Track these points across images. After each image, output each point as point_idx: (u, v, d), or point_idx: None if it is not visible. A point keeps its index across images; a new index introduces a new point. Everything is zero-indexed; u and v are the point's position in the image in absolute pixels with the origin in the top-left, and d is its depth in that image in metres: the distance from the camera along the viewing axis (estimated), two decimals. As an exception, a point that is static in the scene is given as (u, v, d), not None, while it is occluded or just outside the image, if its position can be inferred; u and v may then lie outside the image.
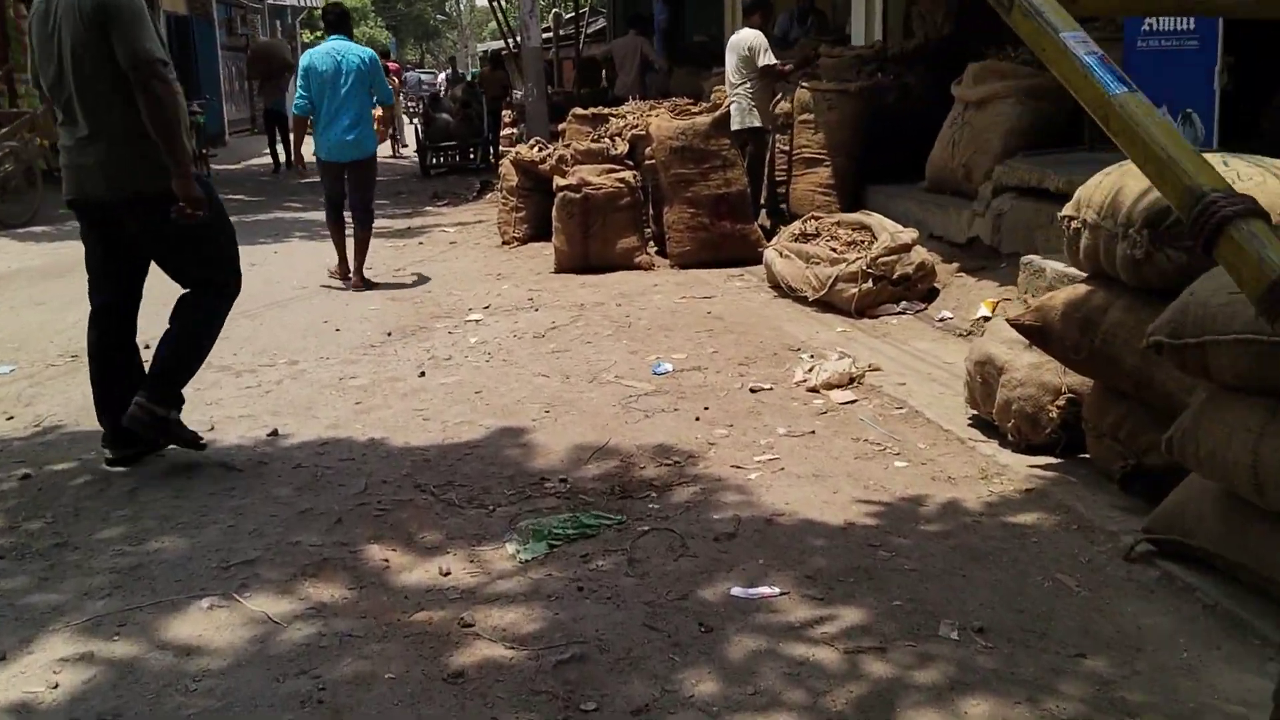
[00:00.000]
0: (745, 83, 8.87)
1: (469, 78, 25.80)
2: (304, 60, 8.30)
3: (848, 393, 5.10)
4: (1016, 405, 4.14)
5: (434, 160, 18.87)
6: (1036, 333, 3.92)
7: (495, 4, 23.24)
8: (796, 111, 8.94)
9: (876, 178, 8.88)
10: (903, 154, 8.96)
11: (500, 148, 20.88)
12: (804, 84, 8.90)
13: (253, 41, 32.25)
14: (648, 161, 8.89)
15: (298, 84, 8.29)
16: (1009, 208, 6.79)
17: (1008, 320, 3.98)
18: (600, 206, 8.30)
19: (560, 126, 11.92)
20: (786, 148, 9.49)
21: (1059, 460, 4.10)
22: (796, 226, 7.33)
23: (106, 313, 4.50)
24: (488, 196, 14.72)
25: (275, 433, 4.87)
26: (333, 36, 8.43)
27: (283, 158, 19.84)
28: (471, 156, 19.34)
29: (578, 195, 8.24)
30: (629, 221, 8.38)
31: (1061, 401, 4.07)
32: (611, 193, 8.30)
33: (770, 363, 5.69)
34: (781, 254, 7.09)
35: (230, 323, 6.52)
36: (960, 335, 6.04)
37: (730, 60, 9.00)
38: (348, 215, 8.57)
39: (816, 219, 7.44)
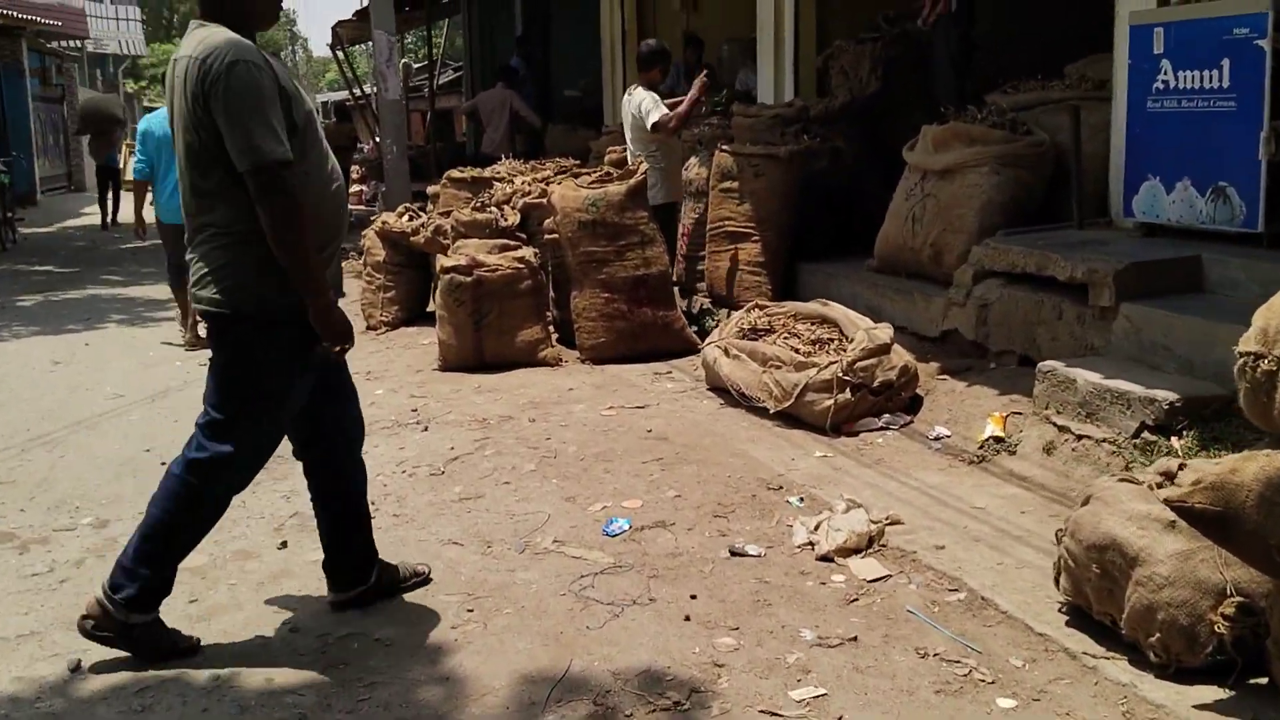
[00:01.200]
0: (646, 153, 7.61)
1: None
2: (142, 124, 8.24)
3: (873, 563, 3.83)
4: (1165, 614, 2.93)
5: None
6: (1215, 522, 2.71)
7: (339, 52, 21.66)
8: (716, 179, 7.75)
9: (807, 254, 7.74)
10: (834, 227, 7.91)
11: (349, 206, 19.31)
12: (725, 148, 7.72)
13: (70, 93, 29.74)
14: (548, 236, 7.55)
15: (136, 147, 8.21)
16: (997, 297, 5.69)
17: (1168, 503, 2.76)
18: (496, 292, 6.90)
19: (429, 189, 10.49)
20: (698, 217, 8.29)
21: (1230, 693, 2.89)
22: (741, 319, 6.09)
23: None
24: (344, 265, 13.10)
25: (78, 666, 3.30)
26: None
27: (110, 215, 19.60)
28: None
29: (468, 279, 6.82)
30: (530, 309, 7.00)
31: (1230, 609, 2.88)
32: (509, 275, 6.92)
33: (752, 510, 4.39)
34: (728, 353, 5.83)
35: (20, 454, 4.96)
36: (971, 462, 4.86)
37: (625, 126, 7.74)
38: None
39: (763, 309, 6.21)
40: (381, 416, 6.08)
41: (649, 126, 7.42)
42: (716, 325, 7.37)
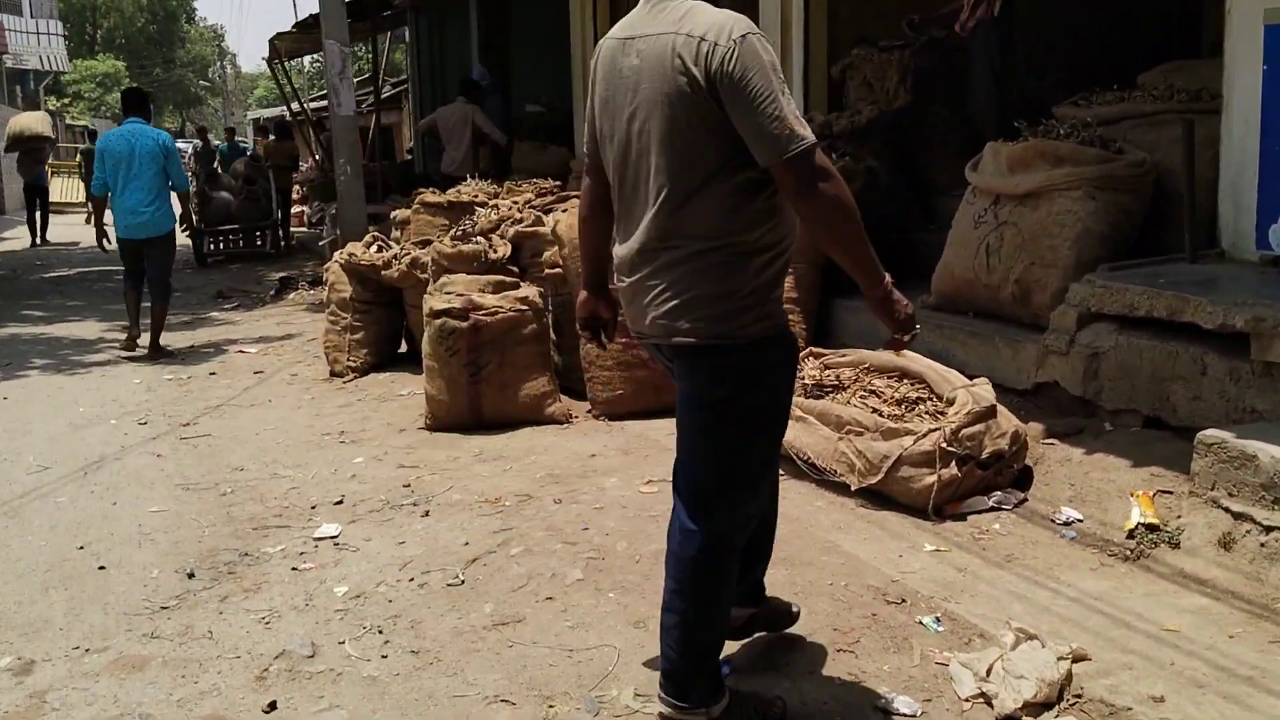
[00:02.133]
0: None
1: (220, 149, 22.45)
2: (99, 143, 8.82)
3: (1076, 727, 2.86)
4: None
5: (212, 247, 15.85)
6: None
7: (276, 66, 20.45)
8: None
9: (839, 289, 6.80)
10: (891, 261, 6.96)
11: (291, 228, 18.10)
12: (748, 166, 6.74)
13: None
14: (550, 271, 6.53)
15: (95, 166, 8.70)
16: (1111, 345, 4.78)
17: None
18: (496, 339, 5.86)
19: (394, 213, 9.42)
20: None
21: None
22: (804, 371, 5.10)
23: None
24: (290, 297, 11.94)
25: None
26: (129, 120, 8.80)
27: (40, 233, 19.68)
28: (259, 243, 16.43)
29: (464, 324, 5.77)
30: (535, 358, 5.96)
31: None
32: (511, 319, 5.88)
33: (880, 638, 3.40)
34: (794, 416, 4.84)
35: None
36: (1126, 558, 3.92)
37: None
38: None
39: (820, 358, 5.25)
40: (367, 495, 5.01)
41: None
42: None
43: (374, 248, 7.87)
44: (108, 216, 8.85)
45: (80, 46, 57.92)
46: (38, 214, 19.52)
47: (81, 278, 14.87)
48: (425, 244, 7.81)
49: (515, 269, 7.02)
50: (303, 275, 13.25)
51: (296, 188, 19.96)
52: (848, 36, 8.52)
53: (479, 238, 7.19)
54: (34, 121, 20.22)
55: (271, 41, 17.92)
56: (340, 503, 4.97)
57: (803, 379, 5.00)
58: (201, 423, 6.67)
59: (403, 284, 7.49)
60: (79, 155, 27.99)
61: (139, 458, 5.91)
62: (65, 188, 27.19)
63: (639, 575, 3.91)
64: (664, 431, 5.73)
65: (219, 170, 18.38)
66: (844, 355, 5.17)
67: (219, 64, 77.68)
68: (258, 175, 16.47)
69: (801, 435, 4.75)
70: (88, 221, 20.86)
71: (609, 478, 5.02)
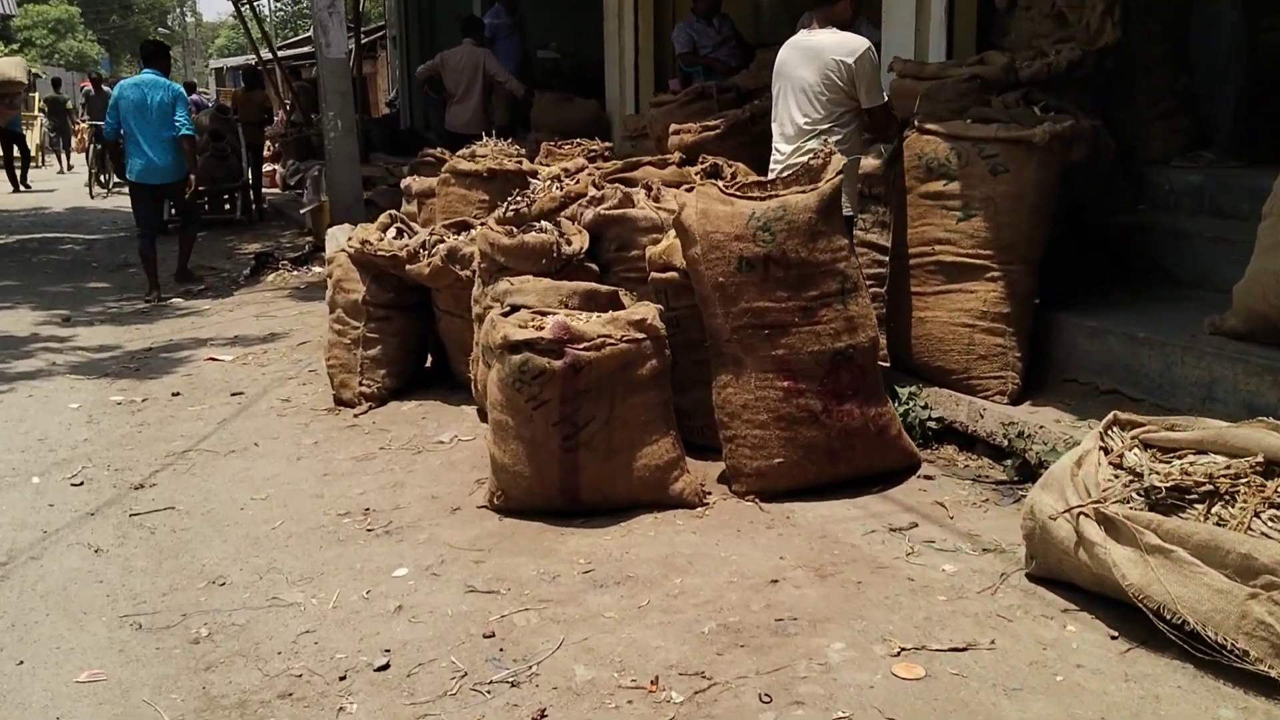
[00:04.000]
0: (834, 125, 4.75)
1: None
2: (115, 91, 9.20)
3: None
4: None
5: (173, 211, 13.66)
6: None
7: (244, 7, 18.25)
8: (915, 178, 4.85)
9: (1059, 299, 4.93)
10: (1078, 252, 5.13)
11: (264, 190, 15.98)
12: (932, 127, 4.81)
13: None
14: (658, 276, 4.59)
15: (108, 112, 9.20)
16: None
17: None
18: (603, 385, 3.92)
19: (406, 182, 7.43)
20: (880, 241, 5.41)
21: None
22: (1121, 448, 3.19)
23: None
24: (269, 279, 9.91)
25: None
26: (146, 70, 9.20)
27: (20, 177, 19.80)
28: (227, 207, 14.33)
29: (558, 363, 3.81)
30: (656, 411, 4.04)
31: None
32: (624, 355, 3.93)
33: None
34: (1144, 546, 2.94)
35: None
36: None
37: (802, 79, 4.84)
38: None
39: (1134, 427, 3.34)
40: (427, 652, 3.11)
41: (865, 99, 4.63)
42: (929, 418, 4.51)
43: (391, 232, 5.88)
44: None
45: (29, -11, 54.69)
46: (15, 161, 19.48)
47: (20, 247, 12.72)
48: (460, 227, 5.83)
49: (594, 267, 5.09)
50: (281, 250, 11.19)
51: (268, 144, 17.79)
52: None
53: (543, 223, 5.23)
54: (8, 67, 18.83)
55: (239, -24, 15.75)
56: (385, 668, 3.06)
57: (1134, 476, 3.10)
58: (161, 483, 4.72)
59: (435, 283, 5.53)
60: (40, 104, 25.83)
61: (68, 555, 3.97)
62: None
63: None
64: (856, 526, 3.84)
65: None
66: (1178, 428, 3.26)
67: (178, 11, 74.28)
68: (225, 130, 14.38)
69: (1167, 579, 2.86)
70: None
71: (822, 636, 3.11)
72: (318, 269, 10.00)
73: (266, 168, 17.71)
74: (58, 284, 9.98)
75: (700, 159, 5.71)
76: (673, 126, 6.78)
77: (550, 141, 7.91)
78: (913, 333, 4.78)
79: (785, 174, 4.68)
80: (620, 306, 4.48)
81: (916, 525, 3.83)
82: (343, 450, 5.03)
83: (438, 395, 5.76)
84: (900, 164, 4.94)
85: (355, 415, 5.53)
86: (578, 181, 5.67)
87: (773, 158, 5.03)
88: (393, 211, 6.07)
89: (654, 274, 4.59)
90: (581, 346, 3.83)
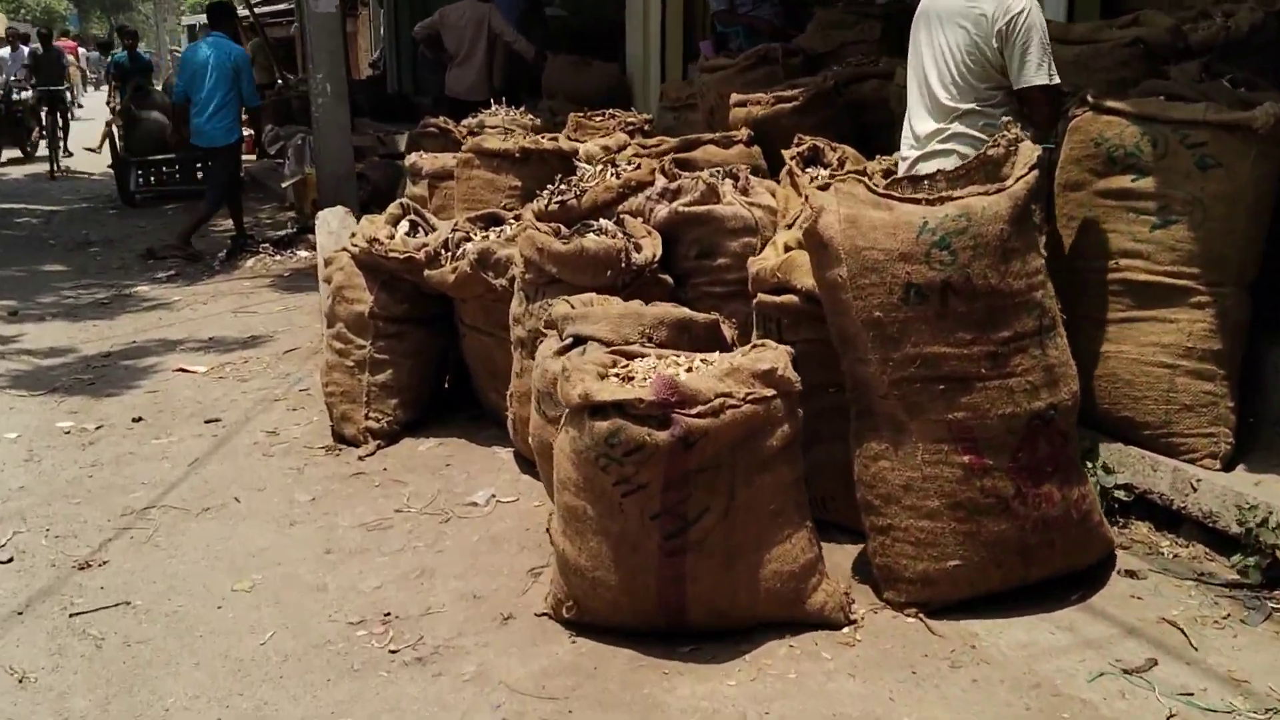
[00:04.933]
0: (980, 106, 3.65)
1: (116, 59, 17.33)
2: (183, 53, 10.27)
3: None
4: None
5: (141, 181, 12.42)
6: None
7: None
8: (1094, 169, 3.75)
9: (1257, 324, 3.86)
10: None
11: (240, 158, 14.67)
12: (1113, 104, 3.70)
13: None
14: (772, 300, 3.50)
15: (178, 75, 9.74)
16: None
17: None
18: (722, 463, 2.83)
19: (412, 160, 6.29)
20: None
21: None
22: None
23: None
24: (248, 264, 8.74)
25: None
26: (212, 33, 9.23)
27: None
28: (199, 175, 13.03)
29: (664, 436, 2.71)
30: (787, 494, 2.96)
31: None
32: (750, 420, 2.83)
33: None
34: None
35: None
36: None
37: (941, 45, 3.74)
38: None
39: None
40: None
41: (1017, 76, 3.52)
42: (1115, 485, 3.45)
43: (403, 227, 4.75)
44: None
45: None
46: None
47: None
48: (489, 221, 4.72)
49: (668, 280, 4.00)
50: (261, 230, 10.00)
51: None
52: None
53: (600, 221, 4.13)
54: None
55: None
56: None
57: None
58: (114, 559, 3.64)
59: (461, 293, 4.42)
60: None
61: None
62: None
63: None
64: (1073, 663, 2.78)
65: (150, 85, 14.88)
66: None
67: (150, -36, 72.00)
68: (197, 92, 13.07)
69: None
70: None
71: None
72: (304, 253, 8.84)
73: (247, 133, 16.39)
74: (6, 266, 8.78)
75: (795, 139, 4.59)
76: (734, 97, 5.66)
77: (579, 112, 6.77)
78: (1089, 372, 3.70)
79: (923, 166, 3.60)
80: (722, 341, 3.40)
81: (1156, 663, 2.77)
82: (348, 512, 3.93)
83: (460, 429, 4.66)
84: (1057, 152, 3.85)
85: (361, 457, 4.43)
86: (637, 166, 4.55)
87: (903, 146, 3.92)
88: (404, 200, 4.93)
89: (762, 296, 3.50)
90: (694, 411, 2.74)
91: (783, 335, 3.46)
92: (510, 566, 3.44)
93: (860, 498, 3.13)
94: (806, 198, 3.11)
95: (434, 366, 4.72)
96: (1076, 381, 3.10)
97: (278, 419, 4.96)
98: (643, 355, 3.10)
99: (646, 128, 6.56)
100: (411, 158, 6.45)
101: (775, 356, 2.93)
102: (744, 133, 5.35)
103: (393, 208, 4.87)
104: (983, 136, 3.58)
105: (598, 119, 6.74)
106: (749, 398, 2.83)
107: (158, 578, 3.51)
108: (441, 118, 7.44)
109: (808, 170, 4.34)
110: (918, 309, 2.93)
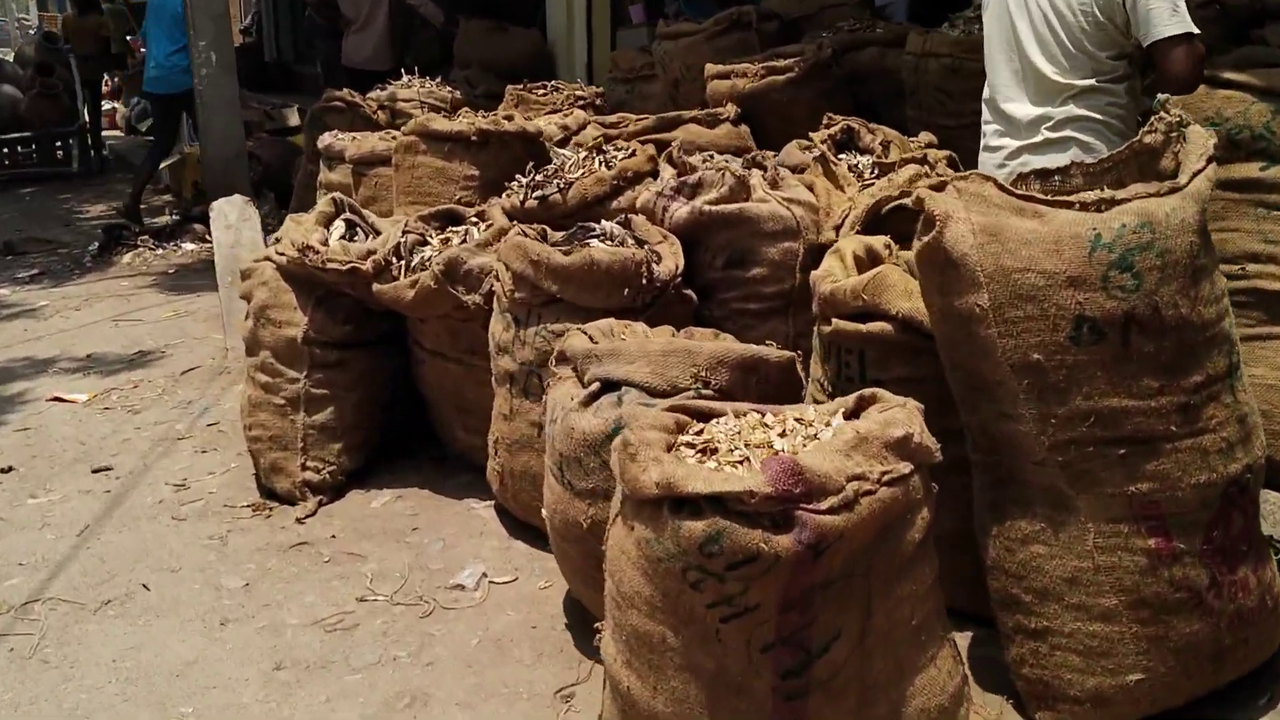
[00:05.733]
0: (1101, 81, 2.92)
1: None
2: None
3: None
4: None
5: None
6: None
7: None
8: (1210, 155, 3.08)
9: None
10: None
11: (103, 133, 13.30)
12: (1233, 74, 3.05)
13: None
14: (846, 327, 2.73)
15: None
16: None
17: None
18: (855, 571, 2.07)
19: (330, 143, 5.40)
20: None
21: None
22: None
23: None
24: (125, 260, 7.65)
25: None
26: None
27: None
28: (60, 155, 11.71)
29: (788, 542, 1.94)
30: (929, 603, 2.22)
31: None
32: (888, 509, 2.08)
33: None
34: None
35: None
36: None
37: (1050, 4, 3.01)
38: None
39: None
40: None
41: (1145, 29, 2.78)
42: (1273, 540, 2.79)
43: (337, 229, 3.86)
44: None
45: None
46: None
47: None
48: (446, 220, 3.87)
49: (692, 296, 3.22)
50: (133, 216, 8.84)
51: (106, 81, 15.01)
52: None
53: (604, 224, 3.33)
54: None
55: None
56: None
57: None
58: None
59: (422, 311, 3.57)
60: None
61: None
62: None
63: None
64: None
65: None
66: None
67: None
68: (55, 63, 11.76)
69: None
70: None
71: None
72: (190, 245, 7.80)
73: (105, 106, 14.96)
74: None
75: (825, 119, 3.83)
76: (711, 68, 4.88)
77: (500, 84, 5.92)
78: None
79: (1033, 160, 2.90)
80: (796, 385, 2.65)
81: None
82: (295, 603, 3.07)
83: (422, 477, 3.82)
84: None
85: (300, 520, 3.56)
86: (631, 153, 3.75)
87: (989, 135, 3.19)
88: (337, 195, 4.02)
89: (839, 323, 2.74)
90: (825, 506, 1.98)
91: (865, 372, 2.72)
92: (528, 685, 2.64)
93: (998, 589, 2.42)
94: (920, 201, 2.36)
95: (384, 400, 3.85)
96: (1261, 430, 2.43)
97: (185, 466, 4.04)
98: (716, 413, 2.33)
99: (599, 102, 5.78)
100: (325, 139, 5.55)
101: (908, 418, 2.17)
102: (730, 109, 4.61)
103: (322, 204, 3.97)
104: (1107, 119, 2.88)
105: (539, 92, 5.92)
106: (885, 478, 2.08)
107: (52, 716, 2.61)
108: (346, 90, 6.56)
109: (971, 174, 3.56)
110: (1092, 350, 2.21)
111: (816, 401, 2.81)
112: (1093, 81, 2.91)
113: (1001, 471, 2.38)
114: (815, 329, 2.90)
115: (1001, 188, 2.35)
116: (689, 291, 3.20)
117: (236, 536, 3.49)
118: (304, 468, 3.63)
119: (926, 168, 3.32)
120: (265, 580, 3.20)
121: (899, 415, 2.18)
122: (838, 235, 3.20)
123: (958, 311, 2.31)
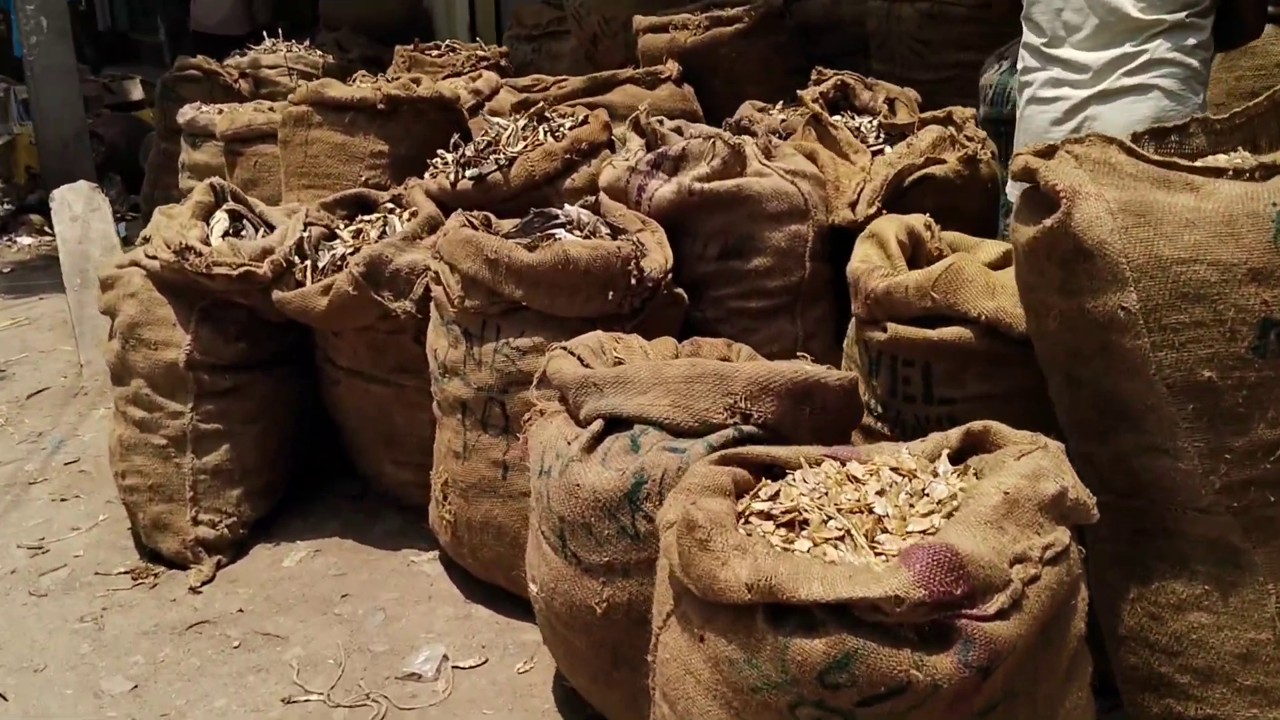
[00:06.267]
0: (1191, 15, 2.38)
1: None
2: None
3: None
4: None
5: None
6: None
7: None
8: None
9: None
10: None
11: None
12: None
13: None
14: (905, 334, 2.17)
15: None
16: None
17: None
18: (1018, 690, 1.51)
19: (192, 117, 4.62)
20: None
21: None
22: None
23: None
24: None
25: None
26: None
27: None
28: None
29: (951, 667, 1.37)
30: (1089, 708, 1.66)
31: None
32: (1055, 600, 1.53)
33: None
34: None
35: None
36: None
37: None
38: None
39: None
40: None
41: None
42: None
43: (219, 223, 3.12)
44: None
45: None
46: None
47: None
48: (355, 206, 3.18)
49: (683, 295, 2.63)
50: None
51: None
52: None
53: (571, 209, 2.70)
54: None
55: None
56: None
57: None
58: None
59: (336, 323, 2.88)
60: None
61: None
62: None
63: None
64: None
65: None
66: None
67: None
68: None
69: None
70: None
71: None
72: (25, 239, 6.82)
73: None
74: None
75: (815, 73, 3.25)
76: (642, 20, 4.26)
77: (408, 46, 5.19)
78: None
79: (1104, 110, 2.37)
80: (857, 409, 2.08)
81: None
82: (200, 710, 2.39)
83: (341, 522, 3.13)
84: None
85: (195, 587, 2.85)
86: (583, 120, 3.11)
87: (1039, 85, 2.62)
88: (216, 181, 3.26)
89: (898, 329, 2.18)
90: (993, 609, 1.41)
91: (931, 390, 2.17)
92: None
93: (1137, 666, 1.90)
94: (1035, 172, 1.81)
95: (291, 432, 3.15)
96: None
97: (41, 521, 3.26)
98: (781, 462, 1.74)
99: (504, 63, 5.11)
100: (186, 112, 4.76)
101: (1056, 467, 1.63)
102: (671, 66, 4.00)
103: (199, 193, 3.21)
104: (1193, 63, 2.36)
105: (433, 53, 5.22)
106: (1048, 554, 1.53)
107: None
108: (201, 58, 5.81)
109: (1093, 137, 2.99)
110: (1276, 364, 1.70)
111: (864, 429, 2.25)
112: (1182, 16, 2.38)
113: (1147, 520, 1.85)
114: (855, 335, 2.34)
115: (1132, 151, 1.81)
116: (680, 290, 2.60)
117: (115, 616, 2.76)
118: (195, 522, 2.91)
119: (952, 129, 2.77)
120: (159, 678, 2.50)
121: (1044, 463, 1.63)
122: (854, 214, 2.64)
123: (1091, 317, 1.77)
